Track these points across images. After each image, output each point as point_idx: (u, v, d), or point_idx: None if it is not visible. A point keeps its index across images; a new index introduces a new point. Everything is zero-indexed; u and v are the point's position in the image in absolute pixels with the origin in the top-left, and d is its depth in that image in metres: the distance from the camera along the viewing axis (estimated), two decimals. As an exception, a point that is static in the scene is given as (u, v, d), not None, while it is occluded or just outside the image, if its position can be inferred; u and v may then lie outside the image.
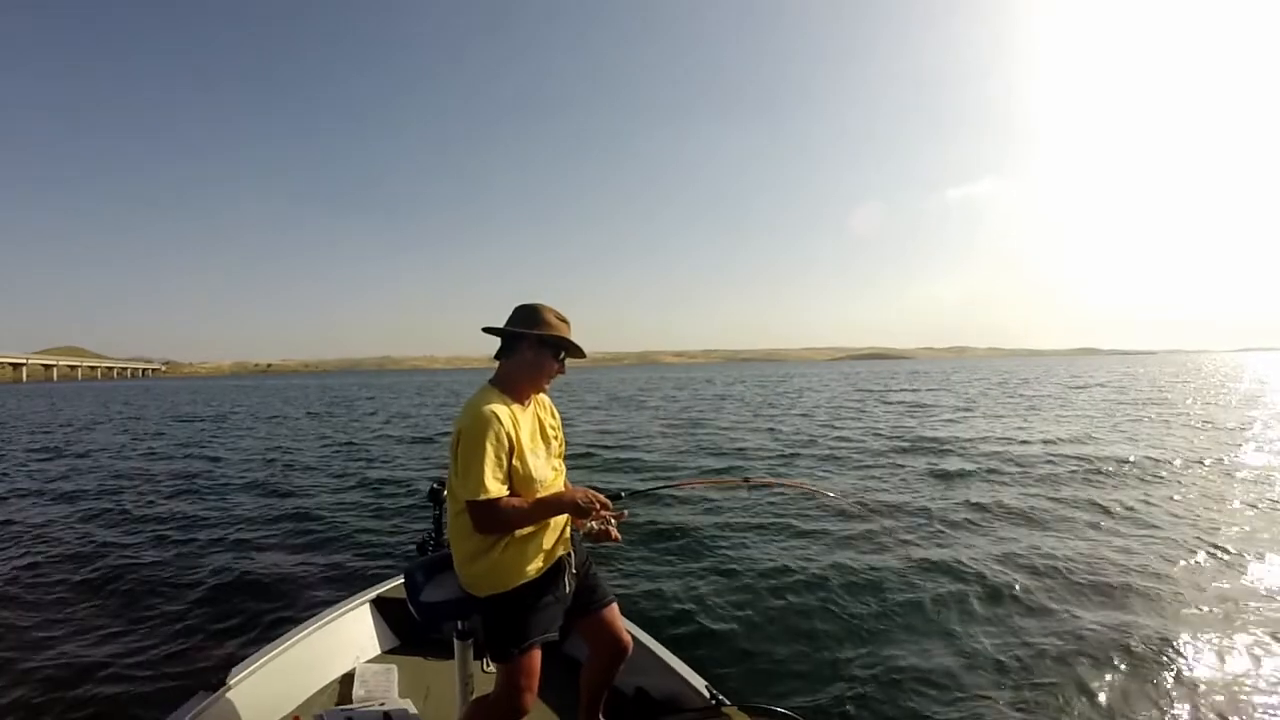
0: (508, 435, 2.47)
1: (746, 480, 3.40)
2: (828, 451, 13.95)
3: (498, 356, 2.67)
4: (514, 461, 2.50)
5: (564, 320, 2.67)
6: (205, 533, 8.25)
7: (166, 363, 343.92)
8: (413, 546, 3.63)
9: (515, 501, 2.48)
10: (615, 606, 2.87)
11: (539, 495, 2.56)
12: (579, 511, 2.58)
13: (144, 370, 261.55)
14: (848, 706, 4.00)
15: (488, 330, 2.70)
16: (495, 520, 2.44)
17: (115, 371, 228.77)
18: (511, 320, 2.64)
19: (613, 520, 2.74)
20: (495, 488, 2.41)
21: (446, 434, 20.15)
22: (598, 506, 2.59)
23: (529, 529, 2.55)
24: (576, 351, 2.71)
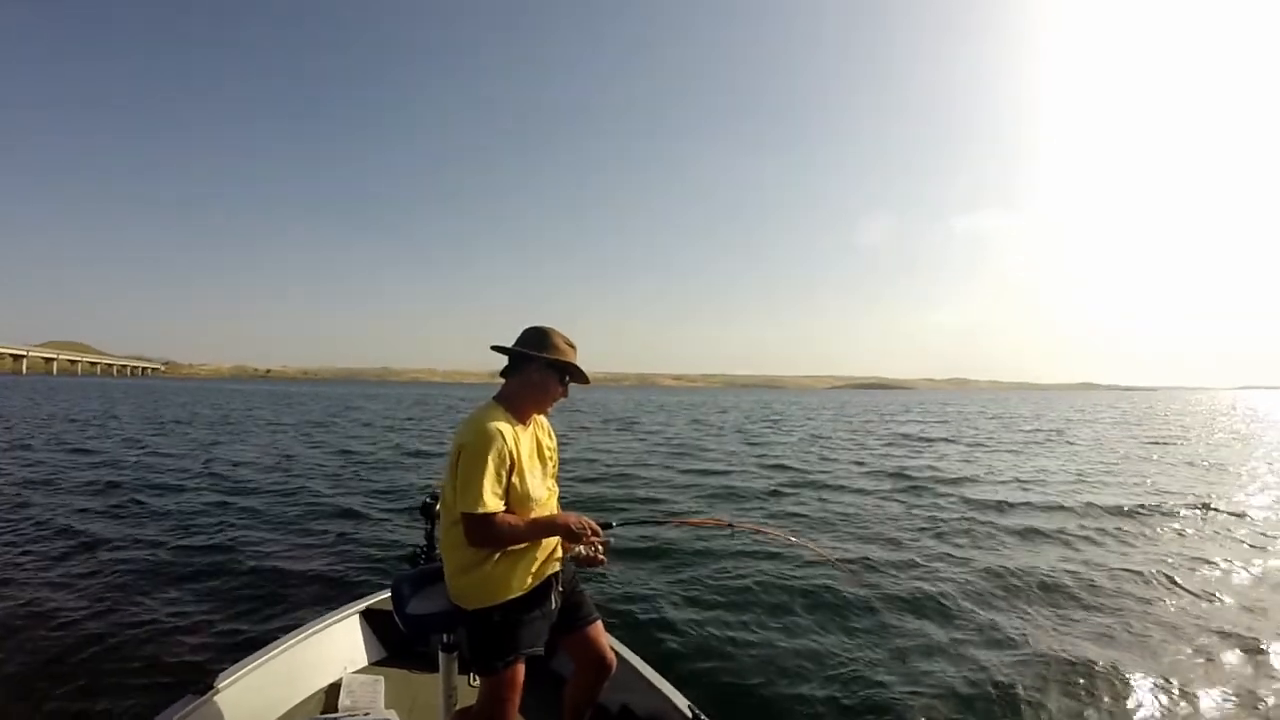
0: (509, 452, 2.52)
1: (732, 526, 3.54)
2: (814, 489, 13.58)
3: (504, 375, 2.73)
4: (513, 479, 2.55)
5: (572, 345, 2.74)
6: (194, 538, 8.38)
7: (166, 362, 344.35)
8: (404, 559, 3.67)
9: (511, 519, 2.52)
10: (600, 624, 2.91)
11: (534, 514, 2.62)
12: (571, 536, 2.63)
13: (144, 369, 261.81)
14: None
15: (497, 349, 2.73)
16: (490, 535, 2.48)
17: (115, 369, 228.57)
18: (521, 341, 2.72)
19: (600, 547, 2.77)
20: (493, 503, 2.45)
21: (439, 447, 20.87)
22: (589, 533, 2.64)
23: (522, 546, 2.60)
24: (581, 377, 2.78)
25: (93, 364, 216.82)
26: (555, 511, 2.77)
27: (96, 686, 4.40)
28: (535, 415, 2.79)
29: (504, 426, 2.55)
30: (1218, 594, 6.88)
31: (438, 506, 3.32)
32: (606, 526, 2.79)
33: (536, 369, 2.67)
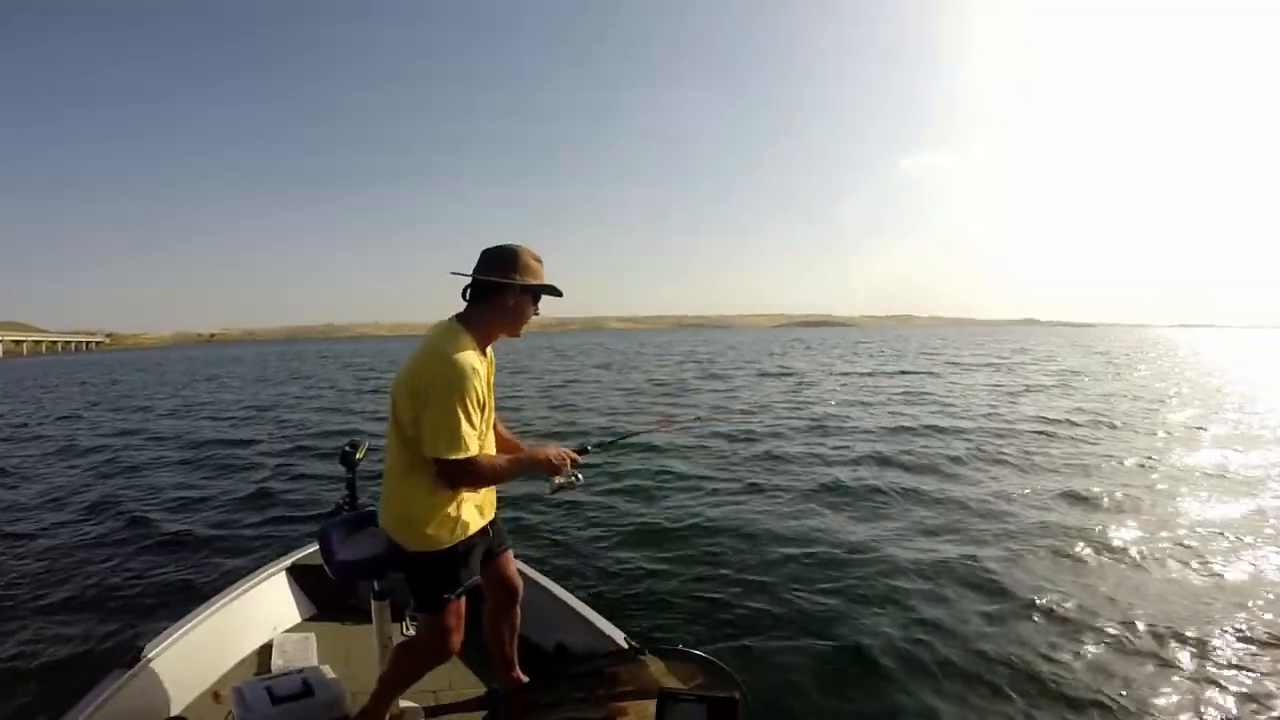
0: (480, 390, 2.43)
1: (699, 419, 4.39)
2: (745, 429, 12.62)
3: (469, 298, 2.56)
4: (482, 415, 2.48)
5: (539, 260, 2.59)
6: (109, 506, 8.23)
7: (109, 335, 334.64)
8: (326, 511, 3.73)
9: (492, 459, 2.51)
10: (510, 552, 2.96)
11: (484, 446, 2.55)
12: (550, 468, 2.59)
13: (88, 343, 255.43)
14: (753, 647, 4.33)
15: (458, 275, 2.55)
16: (472, 476, 2.43)
17: (60, 345, 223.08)
18: (486, 264, 2.53)
19: (576, 475, 2.71)
20: (474, 444, 2.38)
21: (356, 399, 22.23)
22: (569, 462, 2.62)
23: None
24: (555, 293, 2.65)
25: (37, 343, 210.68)
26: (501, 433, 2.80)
27: (17, 669, 4.24)
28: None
29: (475, 361, 2.42)
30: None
31: (358, 455, 3.50)
32: (582, 452, 2.77)
33: (512, 294, 2.52)
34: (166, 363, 65.47)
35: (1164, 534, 6.71)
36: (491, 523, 2.79)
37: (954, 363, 34.22)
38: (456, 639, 2.59)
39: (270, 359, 65.32)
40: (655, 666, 2.87)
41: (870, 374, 27.58)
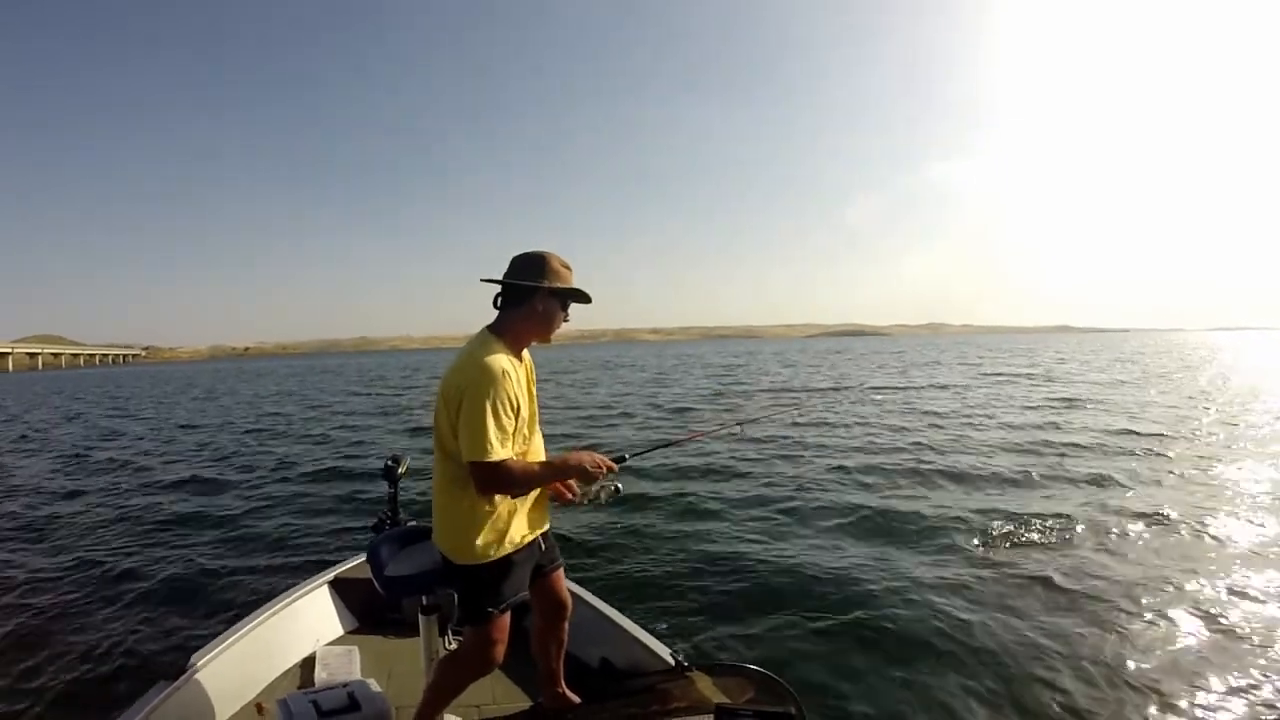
0: (514, 393, 2.40)
1: (740, 424, 3.87)
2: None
3: (500, 306, 2.55)
4: (517, 420, 2.43)
5: (568, 267, 2.58)
6: (156, 518, 8.28)
7: (146, 348, 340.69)
8: (368, 525, 3.68)
9: (524, 463, 2.45)
10: (562, 569, 2.89)
11: (531, 446, 2.56)
12: (585, 475, 2.55)
13: (125, 356, 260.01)
14: (806, 661, 4.17)
15: (488, 281, 2.55)
16: (504, 481, 2.37)
17: (98, 358, 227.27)
18: (515, 270, 2.54)
19: (617, 486, 2.67)
20: (504, 449, 2.33)
21: (391, 414, 21.07)
22: (604, 470, 2.57)
23: (527, 498, 2.55)
24: (585, 299, 2.63)
25: (75, 355, 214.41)
26: (542, 445, 2.72)
27: (64, 679, 4.24)
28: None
29: (505, 364, 2.39)
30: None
31: (401, 469, 3.47)
32: (620, 460, 2.68)
33: (540, 299, 2.51)
34: (198, 375, 66.82)
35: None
36: (544, 536, 2.74)
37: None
38: (499, 652, 2.56)
39: (302, 372, 66.24)
40: (704, 683, 2.82)
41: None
